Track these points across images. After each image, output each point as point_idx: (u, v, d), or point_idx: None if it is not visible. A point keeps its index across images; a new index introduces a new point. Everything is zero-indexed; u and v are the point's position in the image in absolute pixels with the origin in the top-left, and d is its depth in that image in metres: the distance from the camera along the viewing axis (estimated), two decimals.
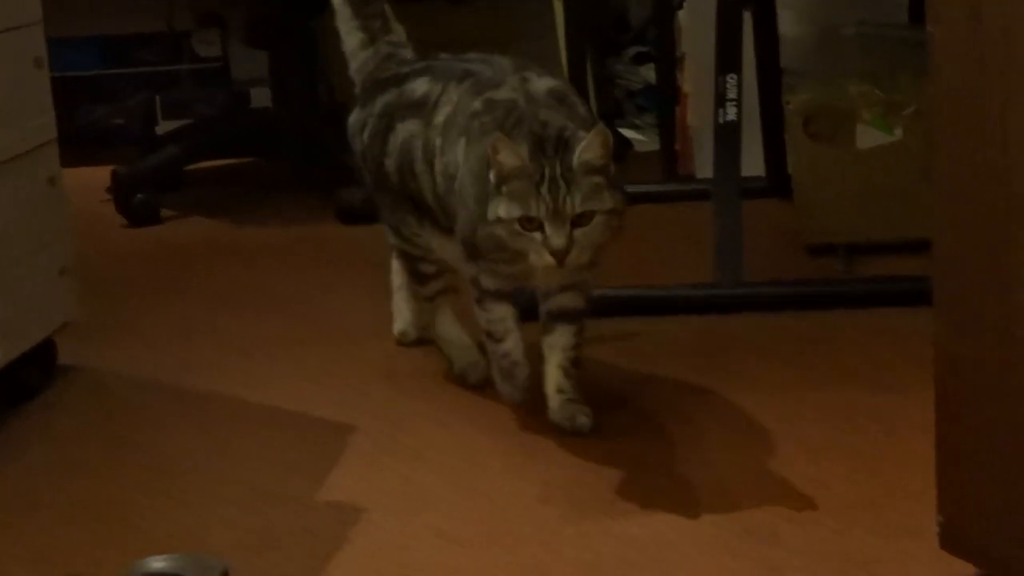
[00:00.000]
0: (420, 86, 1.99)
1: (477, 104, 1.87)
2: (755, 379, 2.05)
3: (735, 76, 2.47)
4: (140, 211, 3.12)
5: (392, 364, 2.19)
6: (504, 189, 1.72)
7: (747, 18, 2.67)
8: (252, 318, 2.45)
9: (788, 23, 2.91)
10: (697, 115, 3.02)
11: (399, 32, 2.17)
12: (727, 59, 2.48)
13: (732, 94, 2.45)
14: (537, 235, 1.71)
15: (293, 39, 3.28)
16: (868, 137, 2.52)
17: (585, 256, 1.73)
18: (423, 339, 2.18)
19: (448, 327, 2.08)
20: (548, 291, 1.87)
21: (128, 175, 3.15)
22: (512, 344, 1.88)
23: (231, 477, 1.84)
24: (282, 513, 1.73)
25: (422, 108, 1.96)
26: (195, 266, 2.82)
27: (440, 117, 1.93)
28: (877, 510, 1.63)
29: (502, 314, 1.89)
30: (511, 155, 1.71)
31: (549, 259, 1.70)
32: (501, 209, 1.72)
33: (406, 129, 1.98)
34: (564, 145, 1.72)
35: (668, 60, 3.19)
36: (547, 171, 1.70)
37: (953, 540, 1.46)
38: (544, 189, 1.69)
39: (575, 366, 1.88)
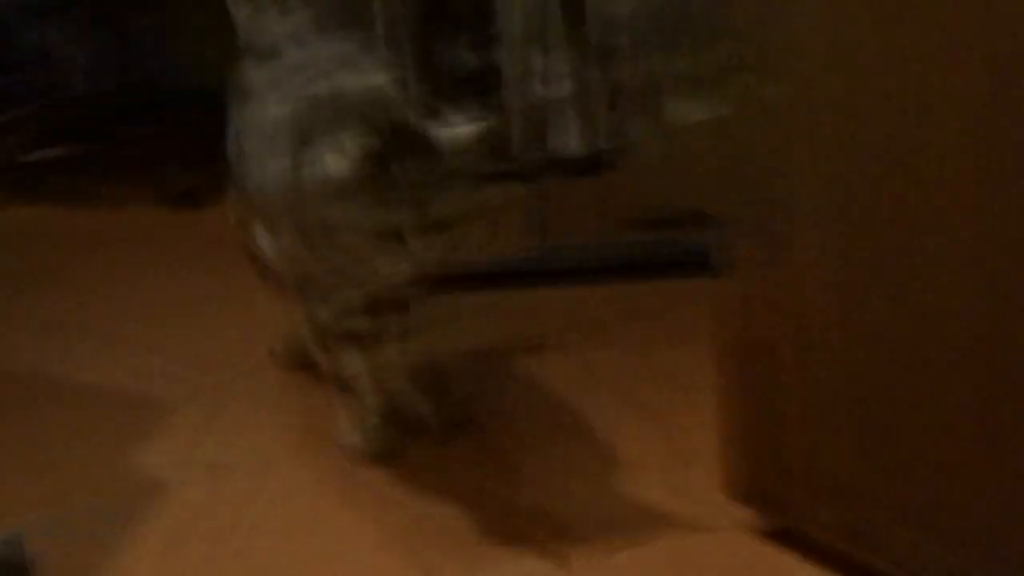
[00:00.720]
0: (253, 74, 1.86)
1: (279, 103, 1.73)
2: (565, 344, 2.08)
3: (546, 49, 2.49)
4: None
5: (207, 345, 2.19)
6: (352, 197, 1.56)
7: None
8: (77, 301, 2.43)
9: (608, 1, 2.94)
10: (518, 95, 3.03)
11: (298, 10, 1.96)
12: (536, 34, 2.50)
13: (541, 67, 2.48)
14: (394, 243, 1.56)
15: (107, 20, 3.25)
16: (679, 109, 2.55)
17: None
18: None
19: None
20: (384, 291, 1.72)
21: None
22: (369, 394, 1.76)
23: (39, 456, 1.84)
24: (88, 487, 1.73)
25: (244, 98, 1.84)
26: (17, 253, 2.78)
27: (250, 114, 1.81)
28: (671, 467, 1.67)
29: (357, 363, 1.75)
30: (342, 161, 1.56)
31: (405, 270, 1.60)
32: (348, 211, 1.56)
33: (235, 115, 1.87)
34: (417, 146, 1.58)
35: (488, 39, 3.20)
36: (405, 175, 1.55)
37: (737, 491, 1.50)
38: (405, 191, 1.55)
39: (413, 362, 1.80)
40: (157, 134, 3.12)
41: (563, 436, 1.78)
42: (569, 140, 2.66)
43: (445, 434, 1.80)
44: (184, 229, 2.85)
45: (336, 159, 1.55)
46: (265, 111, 1.75)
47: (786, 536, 1.47)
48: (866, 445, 1.33)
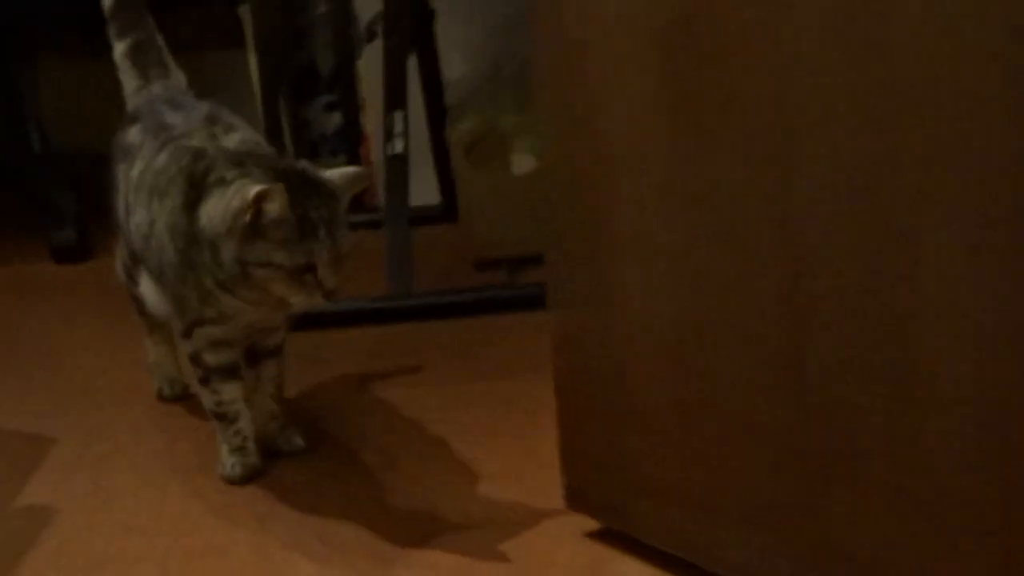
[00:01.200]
0: (133, 132, 1.82)
1: (161, 159, 1.70)
2: (421, 377, 2.08)
3: (402, 112, 2.50)
4: None
5: (91, 383, 2.16)
6: (270, 234, 1.54)
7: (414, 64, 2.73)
8: None
9: (454, 66, 2.96)
10: (378, 153, 3.04)
11: (179, 77, 1.98)
12: (393, 98, 2.51)
13: (399, 128, 2.49)
14: (308, 277, 1.55)
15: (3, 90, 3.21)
16: (522, 163, 2.58)
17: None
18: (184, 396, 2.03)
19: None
20: (253, 334, 1.74)
21: None
22: (245, 423, 1.73)
23: None
24: None
25: (128, 156, 1.79)
26: None
27: (135, 171, 1.76)
28: (520, 479, 1.67)
29: (232, 395, 1.72)
30: (279, 205, 1.52)
31: (319, 299, 1.57)
32: (267, 252, 1.54)
33: (119, 172, 1.82)
34: (318, 181, 1.59)
35: (352, 106, 3.22)
36: (315, 214, 1.55)
37: (576, 499, 1.51)
38: (321, 233, 1.55)
39: (281, 393, 1.80)
40: (47, 194, 3.07)
41: (423, 454, 1.78)
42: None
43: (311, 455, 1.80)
44: (73, 281, 2.82)
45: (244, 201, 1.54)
46: (149, 166, 1.73)
47: (615, 536, 1.48)
48: (683, 455, 1.35)
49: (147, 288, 1.84)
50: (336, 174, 1.63)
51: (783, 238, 1.20)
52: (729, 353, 1.28)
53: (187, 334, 1.71)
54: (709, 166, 1.26)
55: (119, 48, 1.99)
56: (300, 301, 1.58)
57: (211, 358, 1.71)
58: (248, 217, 1.53)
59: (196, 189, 1.62)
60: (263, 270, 1.56)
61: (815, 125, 1.15)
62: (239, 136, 1.71)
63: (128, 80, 1.97)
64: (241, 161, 1.62)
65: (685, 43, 1.26)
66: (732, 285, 1.26)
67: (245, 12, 3.48)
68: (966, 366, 1.07)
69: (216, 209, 1.58)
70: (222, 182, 1.60)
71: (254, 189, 1.52)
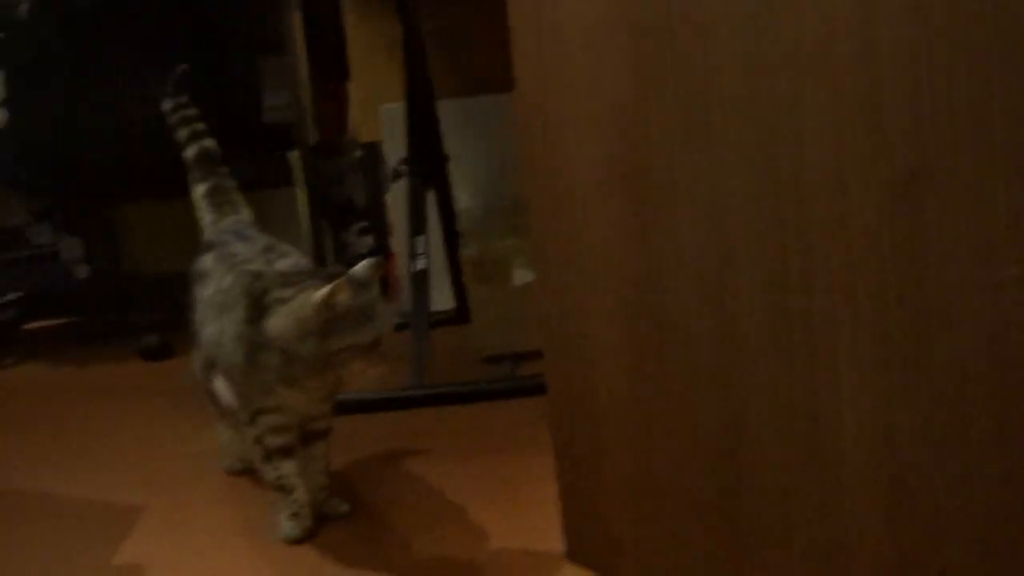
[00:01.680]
0: (208, 259, 1.84)
1: (227, 280, 1.74)
2: (439, 454, 2.08)
3: (423, 236, 2.54)
4: None
5: (173, 462, 2.16)
6: (346, 324, 1.56)
7: (432, 198, 2.76)
8: (69, 436, 2.39)
9: (464, 199, 3.00)
10: (403, 268, 3.07)
11: (245, 213, 2.01)
12: (416, 225, 2.55)
13: (421, 250, 2.52)
14: (374, 348, 1.58)
15: (98, 226, 3.25)
16: (520, 276, 2.60)
17: None
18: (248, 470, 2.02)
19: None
20: (306, 421, 1.75)
21: None
22: (300, 493, 1.73)
23: (41, 555, 1.79)
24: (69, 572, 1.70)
25: (203, 279, 1.82)
26: (26, 401, 2.74)
27: (208, 292, 1.79)
28: (523, 539, 1.66)
29: (290, 469, 1.72)
30: (346, 295, 1.55)
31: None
32: (355, 338, 1.56)
33: (196, 292, 1.85)
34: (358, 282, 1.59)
35: (382, 230, 3.25)
36: (365, 300, 1.57)
37: (575, 552, 1.51)
38: (377, 312, 1.57)
39: (328, 467, 1.81)
40: (136, 307, 3.09)
41: (441, 518, 1.78)
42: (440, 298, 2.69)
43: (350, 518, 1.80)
44: (158, 377, 2.83)
45: (307, 305, 1.57)
46: (219, 287, 1.76)
47: None
48: (648, 521, 1.36)
49: (219, 384, 1.84)
50: (362, 267, 1.61)
51: (722, 348, 1.21)
52: (681, 441, 1.29)
53: (251, 422, 1.72)
54: (663, 294, 1.27)
55: (198, 190, 2.03)
56: (367, 368, 1.61)
57: (272, 440, 1.72)
58: (325, 314, 1.55)
59: (257, 307, 1.64)
60: (345, 353, 1.57)
61: (746, 257, 1.17)
62: (291, 261, 1.73)
63: (204, 216, 2.01)
64: (293, 281, 1.64)
65: (641, 190, 1.28)
66: (683, 387, 1.27)
67: (295, 157, 3.54)
68: (875, 447, 1.08)
69: (285, 322, 1.60)
70: (281, 301, 1.61)
71: (322, 292, 1.55)
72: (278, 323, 1.61)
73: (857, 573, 1.12)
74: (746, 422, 1.21)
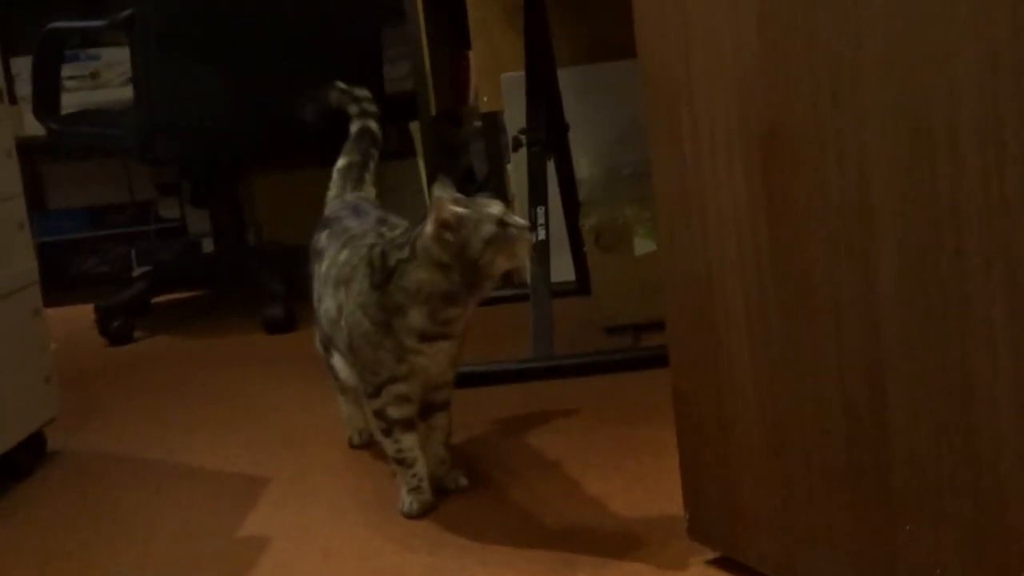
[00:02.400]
0: (323, 237, 1.85)
1: (344, 255, 1.74)
2: (561, 426, 2.05)
3: (543, 207, 2.50)
4: (117, 334, 3.08)
5: (297, 432, 2.17)
6: (464, 231, 1.57)
7: (552, 167, 2.72)
8: (197, 406, 2.42)
9: (584, 167, 2.95)
10: None
11: (369, 191, 2.00)
12: (536, 195, 2.51)
13: (541, 221, 2.48)
14: (512, 230, 1.59)
15: (224, 200, 3.28)
16: (642, 246, 2.55)
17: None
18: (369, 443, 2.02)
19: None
20: (428, 391, 1.74)
21: (107, 306, 3.10)
22: (420, 467, 1.72)
23: (171, 521, 1.81)
24: (207, 545, 1.70)
25: (319, 256, 1.83)
26: (156, 371, 2.78)
27: (323, 268, 1.79)
28: (646, 512, 1.63)
29: (410, 443, 1.71)
30: (447, 208, 1.57)
31: (528, 237, 1.61)
32: (479, 237, 1.57)
33: (314, 270, 1.85)
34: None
35: (502, 200, 3.22)
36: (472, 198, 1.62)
37: (696, 530, 1.47)
38: (484, 201, 1.61)
39: (448, 440, 1.79)
40: (260, 280, 3.12)
41: (563, 491, 1.75)
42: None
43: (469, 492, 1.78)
44: (282, 349, 2.85)
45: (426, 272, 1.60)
46: (334, 262, 1.76)
47: (732, 564, 1.43)
48: (782, 494, 1.30)
49: (338, 361, 1.85)
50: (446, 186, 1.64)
51: (865, 316, 1.16)
52: (819, 410, 1.24)
53: (375, 394, 1.70)
54: (802, 250, 1.23)
55: (339, 163, 2.04)
56: (522, 251, 1.62)
57: (394, 412, 1.70)
58: (445, 237, 1.58)
59: (381, 271, 1.64)
60: (490, 250, 1.58)
61: (894, 219, 1.11)
62: (400, 230, 1.74)
63: (332, 188, 2.02)
64: (403, 242, 1.64)
65: (776, 151, 1.23)
66: (822, 351, 1.22)
67: (415, 128, 3.52)
68: (1017, 425, 1.02)
69: (420, 271, 1.61)
70: (404, 260, 1.62)
71: (428, 224, 1.59)
72: (416, 274, 1.61)
73: (1010, 546, 1.05)
74: (891, 390, 1.15)
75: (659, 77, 1.37)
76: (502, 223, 1.59)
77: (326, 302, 1.77)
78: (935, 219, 1.07)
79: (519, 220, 1.62)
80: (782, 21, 1.19)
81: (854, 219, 1.16)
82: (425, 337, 1.65)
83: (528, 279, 2.55)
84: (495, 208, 1.61)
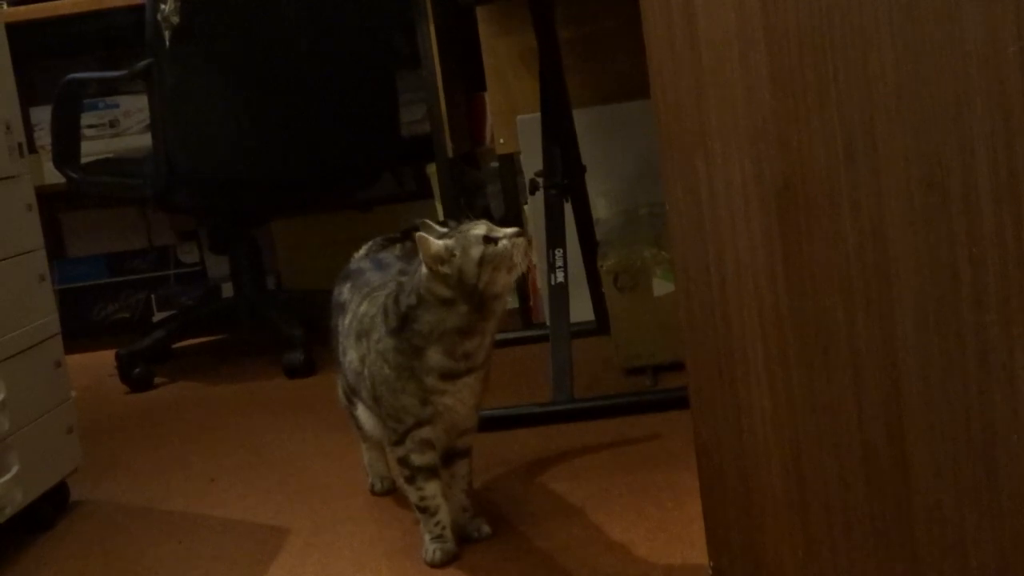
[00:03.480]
0: (345, 290, 1.87)
1: (364, 307, 1.76)
2: (582, 470, 2.05)
3: (561, 249, 2.50)
4: (138, 380, 3.09)
5: (318, 480, 2.17)
6: (453, 258, 1.59)
7: (570, 209, 2.73)
8: (219, 453, 2.42)
9: (601, 207, 2.96)
10: (542, 280, 3.05)
11: (393, 249, 1.98)
12: (554, 237, 2.52)
13: (559, 263, 2.49)
14: (501, 244, 1.59)
15: (243, 246, 3.29)
16: (661, 287, 2.55)
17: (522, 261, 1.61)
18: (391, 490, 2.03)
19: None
20: (452, 437, 1.74)
21: (128, 353, 3.12)
22: (443, 515, 1.72)
23: (196, 572, 1.81)
24: None
25: (342, 310, 1.84)
26: (177, 418, 2.79)
27: (346, 321, 1.81)
28: (669, 559, 1.63)
29: (433, 491, 1.71)
30: (429, 243, 1.60)
31: (520, 243, 1.60)
32: (468, 261, 1.58)
33: (336, 323, 1.86)
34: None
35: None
36: (458, 223, 1.64)
37: (723, 572, 1.46)
38: (466, 224, 1.62)
39: (471, 488, 1.79)
40: (279, 325, 3.13)
41: (585, 538, 1.74)
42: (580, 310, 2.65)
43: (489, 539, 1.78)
44: (300, 394, 2.86)
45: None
46: (355, 315, 1.78)
47: None
48: (805, 546, 1.30)
49: (362, 412, 1.86)
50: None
51: (883, 363, 1.16)
52: (839, 462, 1.23)
53: (400, 441, 1.71)
54: (820, 300, 1.23)
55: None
56: (518, 258, 1.60)
57: (417, 459, 1.70)
58: (441, 270, 1.60)
59: (395, 316, 1.66)
60: (486, 271, 1.58)
61: (911, 270, 1.11)
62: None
63: (362, 250, 2.01)
64: (411, 289, 1.65)
65: (791, 202, 1.24)
66: (841, 402, 1.22)
67: (432, 171, 3.54)
68: None
69: (427, 317, 1.63)
70: (413, 307, 1.64)
71: (421, 267, 1.62)
72: (425, 316, 1.63)
73: None
74: (911, 441, 1.14)
75: (674, 127, 1.38)
76: (488, 239, 1.60)
77: (350, 354, 1.78)
78: (952, 270, 1.07)
79: (505, 230, 1.62)
80: (794, 76, 1.20)
81: (871, 270, 1.16)
82: (446, 375, 1.66)
83: (547, 319, 2.55)
84: (479, 228, 1.61)
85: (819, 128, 1.18)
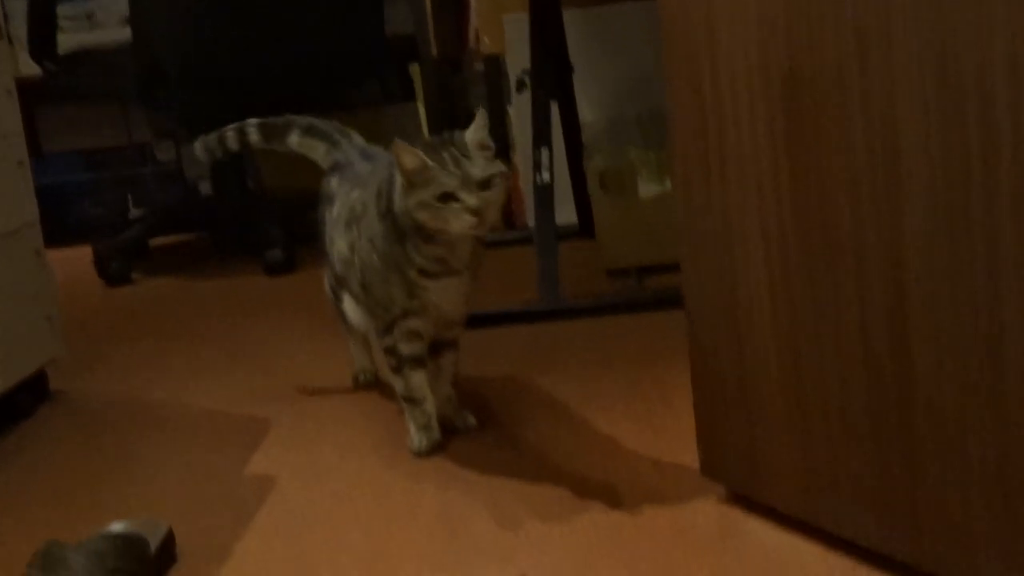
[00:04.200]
0: (333, 181, 1.82)
1: (355, 194, 1.72)
2: (568, 367, 2.04)
3: (547, 149, 2.47)
4: (115, 275, 3.06)
5: (301, 374, 2.15)
6: (416, 181, 1.54)
7: (556, 110, 2.69)
8: (199, 348, 2.40)
9: (587, 111, 2.92)
10: (526, 183, 3.02)
11: (356, 136, 1.93)
12: (540, 137, 2.48)
13: (546, 162, 2.45)
14: (454, 204, 1.52)
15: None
16: (647, 189, 2.53)
17: (495, 214, 1.55)
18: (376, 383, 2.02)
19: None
20: (440, 329, 1.72)
21: (105, 248, 3.08)
22: (429, 405, 1.70)
23: (176, 462, 1.80)
24: (215, 486, 1.69)
25: (330, 201, 1.80)
26: (156, 314, 2.76)
27: (335, 212, 1.77)
28: (656, 452, 1.62)
29: (420, 381, 1.70)
30: (410, 156, 1.54)
31: (470, 219, 1.52)
32: (419, 195, 1.54)
33: (324, 214, 1.83)
34: (452, 137, 1.57)
35: (503, 144, 3.20)
36: (447, 155, 1.54)
37: (708, 467, 1.46)
38: (451, 167, 1.53)
39: (457, 380, 1.78)
40: (260, 223, 3.09)
41: (571, 430, 1.74)
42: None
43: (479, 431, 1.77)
44: (282, 291, 2.83)
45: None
46: (345, 203, 1.75)
47: (744, 500, 1.42)
48: (800, 439, 1.29)
49: (348, 304, 1.84)
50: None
51: (889, 261, 1.14)
52: (839, 358, 1.22)
53: (387, 330, 1.69)
54: (825, 200, 1.20)
55: (292, 139, 1.95)
56: (457, 227, 1.54)
57: (405, 348, 1.69)
58: (399, 174, 1.56)
59: (386, 200, 1.62)
60: (423, 212, 1.54)
61: (922, 168, 1.09)
62: None
63: (317, 150, 1.93)
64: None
65: (799, 94, 1.21)
66: (844, 302, 1.20)
67: (415, 71, 3.48)
68: None
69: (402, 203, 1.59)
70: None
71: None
72: (397, 199, 1.59)
73: None
74: (919, 338, 1.13)
75: (679, 21, 1.34)
76: (446, 196, 1.53)
77: (338, 244, 1.75)
78: (965, 168, 1.05)
79: (470, 201, 1.53)
80: None
81: (879, 161, 1.14)
82: (425, 273, 1.63)
83: (530, 220, 2.53)
84: (450, 180, 1.53)
85: (830, 14, 1.15)
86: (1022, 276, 1.02)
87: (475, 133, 1.57)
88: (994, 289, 1.05)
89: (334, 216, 1.78)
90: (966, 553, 1.12)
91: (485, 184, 1.54)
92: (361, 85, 3.48)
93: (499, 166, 1.56)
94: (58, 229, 3.79)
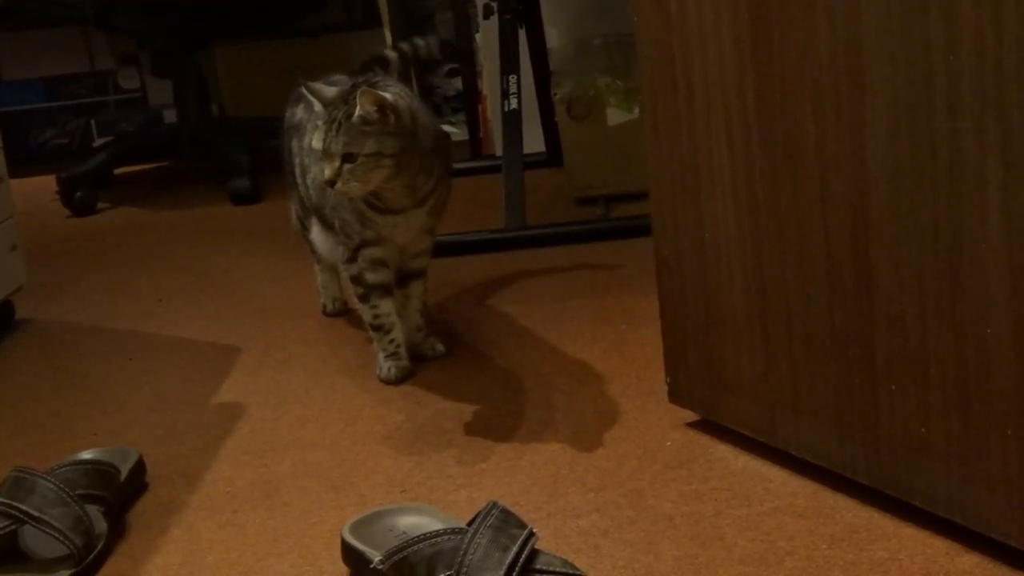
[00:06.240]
0: (299, 111, 1.81)
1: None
2: (535, 294, 2.04)
3: (515, 76, 2.46)
4: (80, 204, 3.03)
5: (268, 303, 2.15)
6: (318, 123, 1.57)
7: (523, 36, 2.67)
8: (165, 277, 2.39)
9: (554, 37, 2.90)
10: (493, 111, 3.00)
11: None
12: (508, 64, 2.46)
13: (513, 89, 2.44)
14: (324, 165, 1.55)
15: (187, 70, 3.20)
16: (615, 116, 2.52)
17: (355, 186, 1.54)
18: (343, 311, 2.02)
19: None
20: (405, 259, 1.73)
21: (70, 177, 3.05)
22: (397, 333, 1.70)
23: (145, 390, 1.80)
24: (182, 412, 1.69)
25: (297, 130, 1.80)
26: (122, 243, 2.74)
27: (306, 140, 1.74)
28: (624, 378, 1.63)
29: (387, 309, 1.70)
30: (323, 96, 1.58)
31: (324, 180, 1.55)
32: (314, 139, 1.58)
33: (291, 145, 1.82)
34: (350, 99, 1.56)
35: (470, 71, 3.17)
36: (334, 116, 1.55)
37: (676, 394, 1.47)
38: (331, 131, 1.54)
39: (425, 308, 1.79)
40: (225, 151, 3.06)
41: (538, 357, 1.75)
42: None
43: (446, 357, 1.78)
44: (248, 220, 2.82)
45: None
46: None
47: (711, 425, 1.44)
48: (764, 358, 1.31)
49: (316, 234, 1.84)
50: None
51: (852, 172, 1.15)
52: (803, 275, 1.23)
53: (352, 258, 1.69)
54: (790, 111, 1.21)
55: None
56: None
57: (371, 276, 1.69)
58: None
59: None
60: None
61: (885, 79, 1.09)
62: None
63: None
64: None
65: (764, 8, 1.21)
66: (807, 215, 1.21)
67: None
68: (1019, 280, 1.02)
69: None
70: None
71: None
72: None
73: (993, 406, 1.06)
74: (876, 253, 1.14)
75: None
76: (348, 156, 1.54)
77: (313, 170, 1.73)
78: (927, 77, 1.06)
79: (327, 172, 1.54)
80: None
81: (843, 80, 1.14)
82: (370, 205, 1.63)
83: (498, 148, 2.52)
84: (319, 144, 1.55)
85: None
86: (982, 196, 1.03)
87: (357, 108, 1.54)
88: (955, 202, 1.06)
89: (305, 145, 1.75)
90: (925, 471, 1.15)
91: (346, 158, 1.53)
92: (323, 11, 3.43)
93: (364, 145, 1.54)
94: (21, 158, 3.74)
